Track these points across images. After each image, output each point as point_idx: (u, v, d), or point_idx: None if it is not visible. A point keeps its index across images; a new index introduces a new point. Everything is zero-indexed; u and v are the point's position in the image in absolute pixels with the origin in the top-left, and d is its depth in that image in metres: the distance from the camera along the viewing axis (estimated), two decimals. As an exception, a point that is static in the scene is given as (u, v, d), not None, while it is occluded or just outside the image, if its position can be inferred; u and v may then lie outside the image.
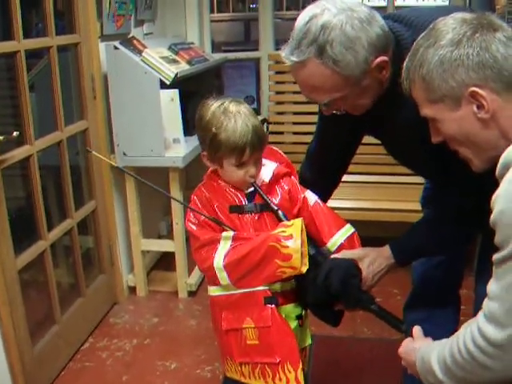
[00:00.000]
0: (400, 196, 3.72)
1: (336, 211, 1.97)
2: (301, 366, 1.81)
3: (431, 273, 2.16)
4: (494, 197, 1.21)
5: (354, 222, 1.97)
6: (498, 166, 1.23)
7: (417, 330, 1.60)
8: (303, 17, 1.58)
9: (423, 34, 1.41)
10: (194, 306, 3.47)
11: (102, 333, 3.26)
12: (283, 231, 1.70)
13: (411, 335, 1.60)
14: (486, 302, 1.26)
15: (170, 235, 3.91)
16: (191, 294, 3.57)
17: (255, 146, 1.75)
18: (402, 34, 1.64)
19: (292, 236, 1.69)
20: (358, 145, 2.11)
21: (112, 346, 3.14)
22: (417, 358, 1.46)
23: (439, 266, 2.15)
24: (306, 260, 1.72)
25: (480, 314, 1.27)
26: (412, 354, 1.50)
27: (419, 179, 3.74)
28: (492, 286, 1.24)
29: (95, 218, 3.31)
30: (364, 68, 1.57)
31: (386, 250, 1.85)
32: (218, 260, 1.76)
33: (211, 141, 1.75)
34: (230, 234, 1.76)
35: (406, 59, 1.43)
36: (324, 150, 2.10)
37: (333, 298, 1.78)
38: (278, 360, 1.80)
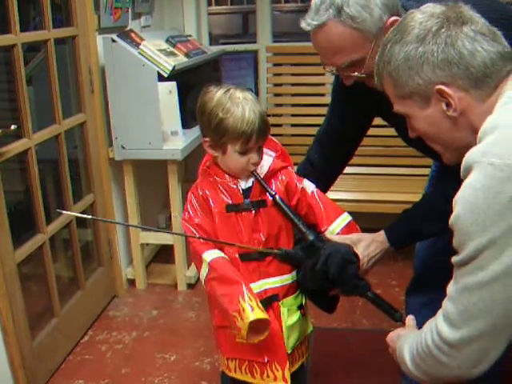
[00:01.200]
0: (400, 188, 3.73)
1: (336, 203, 1.98)
2: (288, 366, 1.85)
3: (434, 258, 2.17)
4: (454, 199, 1.20)
5: (353, 214, 1.98)
6: (461, 167, 1.21)
7: (410, 319, 1.62)
8: None
9: (393, 27, 1.40)
10: (193, 298, 3.48)
11: (102, 326, 3.27)
12: (236, 318, 1.68)
13: (405, 324, 1.62)
14: (445, 302, 1.28)
15: (168, 228, 3.92)
16: (190, 286, 3.59)
17: (261, 133, 1.75)
18: (412, 8, 1.66)
19: (240, 330, 1.69)
20: (368, 128, 2.17)
21: (111, 338, 3.14)
22: (397, 345, 1.49)
23: (443, 252, 2.16)
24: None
25: (439, 312, 1.29)
26: (396, 341, 1.52)
27: (417, 171, 3.80)
28: (450, 287, 1.27)
29: (94, 211, 3.31)
30: (379, 26, 1.63)
31: (381, 234, 1.90)
32: (202, 279, 1.81)
33: (217, 126, 1.74)
34: (207, 260, 1.76)
35: (377, 54, 1.42)
36: (335, 132, 2.15)
37: (330, 283, 1.80)
38: (266, 360, 1.85)
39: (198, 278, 1.88)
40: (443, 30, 1.26)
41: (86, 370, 2.88)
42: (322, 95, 4.28)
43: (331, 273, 1.74)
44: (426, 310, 1.66)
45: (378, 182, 3.98)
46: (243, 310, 1.67)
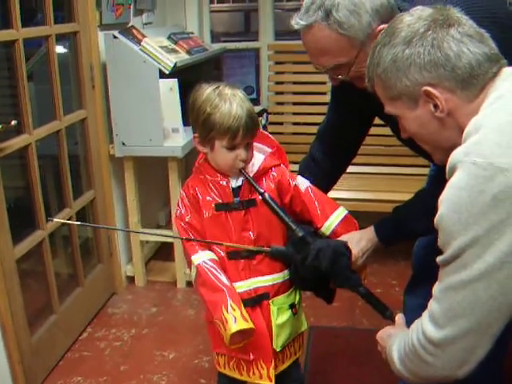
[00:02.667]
0: (400, 187, 3.72)
1: (336, 201, 2.00)
2: (273, 365, 1.89)
3: (432, 258, 2.17)
4: (439, 199, 1.21)
5: (354, 213, 2.00)
6: (447, 168, 1.22)
7: (399, 317, 1.64)
8: None
9: (383, 30, 1.41)
10: (192, 295, 3.47)
11: (101, 323, 3.27)
12: (219, 326, 1.73)
13: (394, 322, 1.65)
14: (430, 302, 1.29)
15: (168, 225, 3.92)
16: (190, 284, 3.57)
17: (248, 129, 1.76)
18: (406, 9, 1.66)
19: (223, 336, 1.74)
20: (369, 127, 2.18)
21: (110, 335, 3.14)
22: (387, 344, 1.50)
23: (439, 252, 2.16)
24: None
25: (425, 312, 1.30)
26: (386, 339, 1.53)
27: (419, 170, 3.79)
28: (435, 287, 1.27)
29: (94, 208, 3.31)
30: (368, 32, 1.62)
31: (371, 229, 1.93)
32: (192, 278, 1.87)
33: (205, 121, 1.76)
34: (195, 263, 1.80)
35: (368, 57, 1.43)
36: (334, 130, 2.16)
37: (323, 277, 1.82)
38: (251, 358, 1.88)
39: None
40: (430, 32, 1.27)
41: (85, 366, 2.88)
42: (324, 94, 4.27)
43: (323, 266, 1.76)
44: (421, 311, 1.67)
45: (380, 181, 3.97)
46: (226, 320, 1.70)
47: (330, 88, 2.13)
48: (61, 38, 2.92)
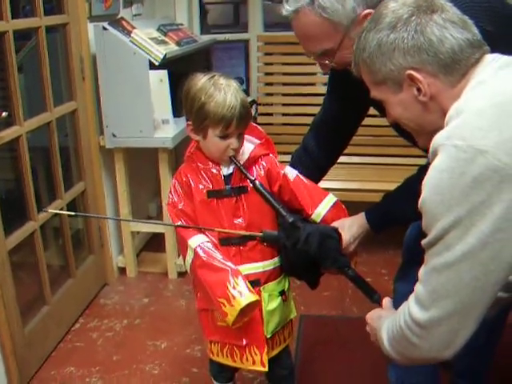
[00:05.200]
0: (388, 177, 3.73)
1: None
2: (266, 350, 1.91)
3: (421, 246, 2.20)
4: (423, 182, 1.23)
5: (344, 203, 2.04)
6: (429, 151, 1.25)
7: (386, 300, 1.67)
8: None
9: (370, 16, 1.44)
10: (183, 286, 3.49)
11: (93, 313, 3.28)
12: (223, 304, 1.74)
13: (381, 306, 1.67)
14: (416, 284, 1.31)
15: (159, 216, 3.93)
16: (181, 274, 3.60)
17: (242, 119, 1.79)
18: None
19: (226, 315, 1.75)
20: (363, 118, 2.22)
21: (102, 326, 3.15)
22: (377, 325, 1.52)
23: (425, 235, 2.19)
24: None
25: (411, 295, 1.33)
26: (376, 320, 1.55)
27: (407, 160, 3.82)
28: (421, 270, 1.30)
29: (85, 200, 3.32)
30: (352, 17, 1.66)
31: (361, 215, 1.96)
32: (187, 265, 1.87)
33: (199, 109, 1.78)
34: (193, 246, 1.81)
35: (355, 42, 1.45)
36: (331, 120, 2.18)
37: (313, 262, 1.86)
38: (244, 343, 1.91)
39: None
40: (413, 17, 1.30)
41: (77, 357, 2.89)
42: (313, 84, 4.29)
43: (312, 249, 1.80)
44: None
45: (368, 171, 3.99)
46: (233, 297, 1.72)
47: (328, 79, 2.17)
48: (50, 30, 2.91)
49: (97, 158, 3.36)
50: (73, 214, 2.88)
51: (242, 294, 1.73)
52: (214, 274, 1.77)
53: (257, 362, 1.91)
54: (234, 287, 1.73)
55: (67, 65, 3.12)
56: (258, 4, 4.52)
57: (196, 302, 2.00)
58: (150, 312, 3.28)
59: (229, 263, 1.80)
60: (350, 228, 1.93)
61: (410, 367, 1.93)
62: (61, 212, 2.91)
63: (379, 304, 1.72)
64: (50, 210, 2.81)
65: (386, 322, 1.45)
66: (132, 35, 3.16)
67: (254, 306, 1.77)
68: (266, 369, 1.92)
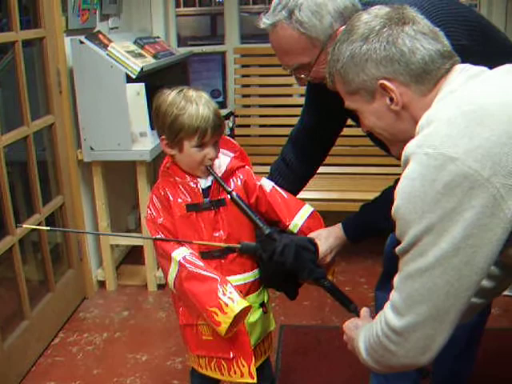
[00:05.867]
0: (365, 186, 3.77)
1: (304, 201, 2.04)
2: (253, 362, 1.90)
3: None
4: (395, 190, 1.26)
5: (322, 213, 2.04)
6: (401, 161, 1.27)
7: (364, 310, 1.67)
8: None
9: (343, 28, 1.47)
10: (163, 298, 3.49)
11: (72, 327, 3.26)
12: (215, 313, 1.73)
13: (359, 315, 1.68)
14: (391, 292, 1.33)
15: (138, 229, 3.93)
16: (160, 286, 3.59)
17: (216, 127, 1.80)
18: None
19: (220, 324, 1.74)
20: (341, 129, 2.23)
21: (82, 340, 3.14)
22: (354, 335, 1.53)
23: (399, 242, 2.21)
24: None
25: (387, 303, 1.34)
26: (353, 330, 1.56)
27: (384, 170, 3.85)
28: (395, 278, 1.32)
29: (63, 213, 3.31)
30: (329, 33, 1.68)
31: (338, 226, 1.97)
32: (170, 279, 1.85)
33: (172, 123, 1.79)
34: (177, 258, 1.80)
35: (329, 54, 1.48)
36: (308, 132, 2.20)
37: (289, 272, 1.86)
38: (232, 355, 1.89)
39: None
40: (385, 29, 1.33)
41: (58, 371, 2.88)
42: (290, 96, 4.33)
43: (288, 261, 1.81)
44: None
45: (347, 181, 4.02)
46: (225, 304, 1.72)
47: (305, 91, 2.18)
48: (27, 44, 2.91)
49: (75, 172, 3.35)
50: (48, 228, 2.86)
51: (234, 301, 1.73)
52: (203, 283, 1.76)
53: (245, 374, 1.89)
54: (224, 294, 1.73)
55: (44, 79, 3.12)
56: (235, 16, 4.55)
57: (178, 317, 1.98)
58: (130, 325, 3.27)
59: (216, 272, 1.80)
60: (327, 239, 1.94)
61: (392, 375, 1.94)
62: (36, 227, 2.89)
63: (356, 314, 1.73)
64: (24, 226, 2.80)
65: (363, 331, 1.46)
66: (109, 49, 3.17)
67: (245, 313, 1.77)
68: (255, 380, 1.90)
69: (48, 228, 2.80)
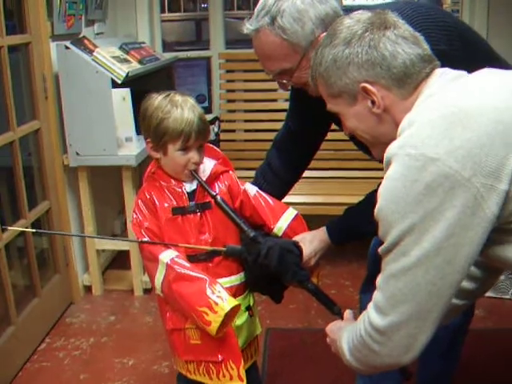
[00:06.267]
0: (350, 190, 3.79)
1: (289, 205, 2.06)
2: (243, 364, 1.90)
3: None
4: (378, 191, 1.28)
5: (307, 217, 2.07)
6: (383, 162, 1.30)
7: (347, 312, 1.71)
8: None
9: (326, 32, 1.50)
10: (150, 303, 3.49)
11: (59, 332, 3.26)
12: (206, 313, 1.74)
13: (343, 318, 1.71)
14: (375, 292, 1.35)
15: (124, 234, 3.94)
16: (147, 291, 3.59)
17: (200, 131, 1.83)
18: None
19: (210, 323, 1.74)
20: (326, 134, 2.25)
21: (69, 345, 3.13)
22: (337, 337, 1.55)
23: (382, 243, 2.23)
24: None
25: (370, 303, 1.37)
26: (336, 332, 1.58)
27: (368, 173, 3.88)
28: (378, 278, 1.34)
29: (49, 218, 3.31)
30: (310, 40, 1.71)
31: (323, 230, 2.00)
32: (157, 283, 1.85)
33: (157, 126, 1.82)
34: (164, 260, 1.81)
35: (312, 58, 1.51)
36: (293, 137, 2.21)
37: (273, 274, 1.88)
38: (220, 358, 1.89)
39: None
40: (367, 33, 1.36)
41: (44, 377, 2.87)
42: (275, 100, 4.35)
43: (272, 264, 1.82)
44: None
45: (332, 184, 4.06)
46: (215, 303, 1.73)
47: (289, 96, 2.20)
48: (13, 49, 2.92)
49: (61, 177, 3.35)
50: (34, 230, 2.87)
51: (224, 299, 1.74)
52: (192, 284, 1.77)
53: (234, 376, 1.89)
54: (214, 293, 1.74)
55: (30, 84, 3.12)
56: (220, 21, 4.57)
57: (165, 323, 1.98)
58: (116, 330, 3.27)
59: (204, 273, 1.81)
60: (312, 242, 1.96)
61: (377, 376, 1.96)
62: (23, 229, 2.89)
63: (340, 316, 1.75)
64: (10, 228, 2.79)
65: (346, 333, 1.48)
66: (94, 54, 3.18)
67: (235, 311, 1.78)
68: (245, 382, 1.90)
69: (34, 230, 2.80)
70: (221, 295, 1.75)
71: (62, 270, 3.43)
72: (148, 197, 1.89)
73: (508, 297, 3.32)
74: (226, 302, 1.74)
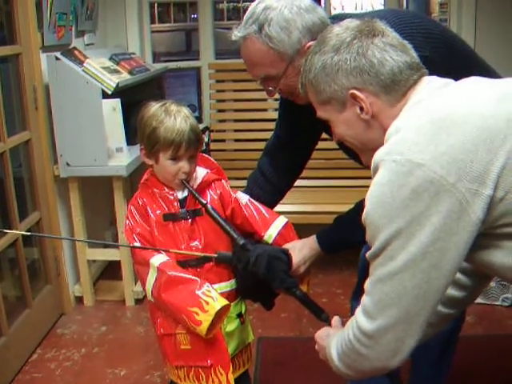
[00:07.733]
0: (342, 199, 3.79)
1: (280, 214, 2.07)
2: (231, 369, 1.91)
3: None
4: (365, 197, 1.30)
5: (297, 226, 2.09)
6: (371, 168, 1.32)
7: (335, 319, 1.72)
8: (255, 1, 1.79)
9: (316, 40, 1.52)
10: (141, 313, 3.48)
11: (50, 343, 3.25)
12: (196, 313, 1.77)
13: (330, 324, 1.72)
14: (363, 297, 1.37)
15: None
16: (138, 301, 3.59)
17: (191, 142, 1.85)
18: None
19: (201, 323, 1.77)
20: (316, 143, 2.26)
21: (61, 356, 3.12)
22: (326, 343, 1.56)
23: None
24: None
25: (358, 308, 1.38)
26: (325, 338, 1.59)
27: (359, 182, 3.89)
28: (366, 283, 1.36)
29: (40, 229, 3.30)
30: (297, 48, 1.74)
31: (313, 238, 2.01)
32: (148, 287, 1.87)
33: (150, 134, 1.85)
34: (156, 264, 1.84)
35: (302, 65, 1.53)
36: (283, 145, 2.23)
37: (262, 282, 1.89)
38: (209, 363, 1.90)
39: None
40: (356, 41, 1.38)
41: (36, 388, 2.87)
42: (265, 110, 4.37)
43: (261, 271, 1.84)
44: None
45: (322, 193, 4.07)
46: (206, 302, 1.76)
47: (279, 104, 2.22)
48: (3, 60, 2.92)
49: (51, 188, 3.35)
50: (28, 233, 2.87)
51: (214, 299, 1.77)
52: (183, 285, 1.80)
53: (223, 382, 1.90)
54: (204, 294, 1.77)
55: (20, 95, 3.13)
56: (210, 32, 4.60)
57: (156, 329, 1.99)
58: (108, 340, 3.26)
59: (194, 276, 1.84)
60: (301, 250, 1.97)
61: (368, 381, 1.97)
62: (13, 231, 2.88)
63: (328, 323, 1.76)
64: (5, 230, 2.78)
65: (335, 339, 1.49)
66: (84, 65, 3.19)
67: (225, 312, 1.81)
68: None
69: (27, 233, 2.80)
70: (211, 295, 1.78)
71: (53, 280, 3.43)
72: (140, 203, 1.92)
73: (498, 303, 3.34)
74: (217, 301, 1.77)
